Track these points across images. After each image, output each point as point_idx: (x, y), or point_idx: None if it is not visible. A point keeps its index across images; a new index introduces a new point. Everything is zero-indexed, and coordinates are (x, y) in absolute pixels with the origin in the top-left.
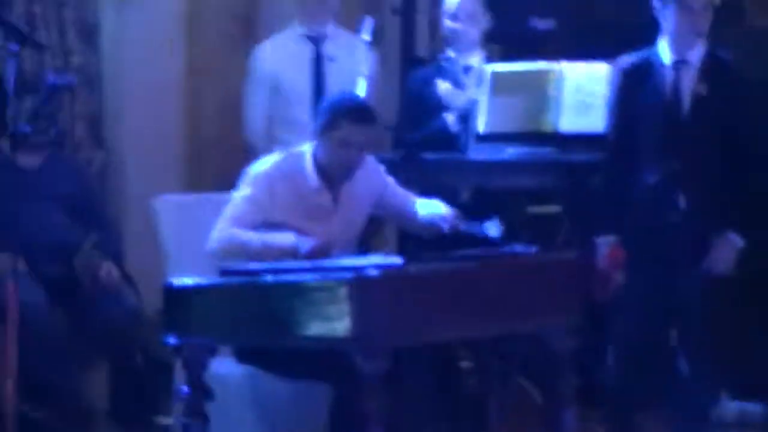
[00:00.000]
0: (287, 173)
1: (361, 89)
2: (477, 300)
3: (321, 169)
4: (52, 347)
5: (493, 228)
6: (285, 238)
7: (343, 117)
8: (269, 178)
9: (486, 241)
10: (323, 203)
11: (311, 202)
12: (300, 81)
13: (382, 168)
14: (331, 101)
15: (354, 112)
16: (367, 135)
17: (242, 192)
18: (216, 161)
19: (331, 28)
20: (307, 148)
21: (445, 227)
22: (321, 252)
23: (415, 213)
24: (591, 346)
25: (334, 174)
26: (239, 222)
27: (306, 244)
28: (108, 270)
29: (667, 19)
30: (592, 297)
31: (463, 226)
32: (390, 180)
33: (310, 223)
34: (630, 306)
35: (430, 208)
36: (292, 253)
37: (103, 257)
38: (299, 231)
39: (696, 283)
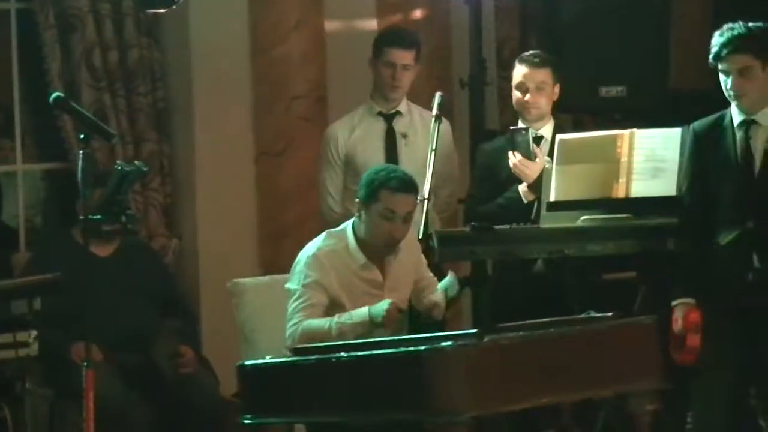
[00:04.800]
0: (335, 252)
1: (430, 164)
2: (554, 367)
3: (364, 244)
4: None
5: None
6: (359, 312)
7: (382, 188)
8: (318, 259)
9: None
10: (373, 278)
11: (361, 277)
12: (373, 158)
13: (418, 245)
14: (369, 174)
15: (392, 181)
16: (408, 205)
17: (299, 279)
18: (291, 244)
19: (404, 104)
20: (347, 227)
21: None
22: (396, 311)
23: (423, 294)
24: (671, 410)
25: (378, 248)
26: (309, 310)
27: (380, 309)
28: (186, 354)
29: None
30: (670, 361)
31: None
32: (422, 257)
33: (365, 297)
34: (708, 367)
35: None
36: (371, 322)
37: (180, 342)
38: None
39: None
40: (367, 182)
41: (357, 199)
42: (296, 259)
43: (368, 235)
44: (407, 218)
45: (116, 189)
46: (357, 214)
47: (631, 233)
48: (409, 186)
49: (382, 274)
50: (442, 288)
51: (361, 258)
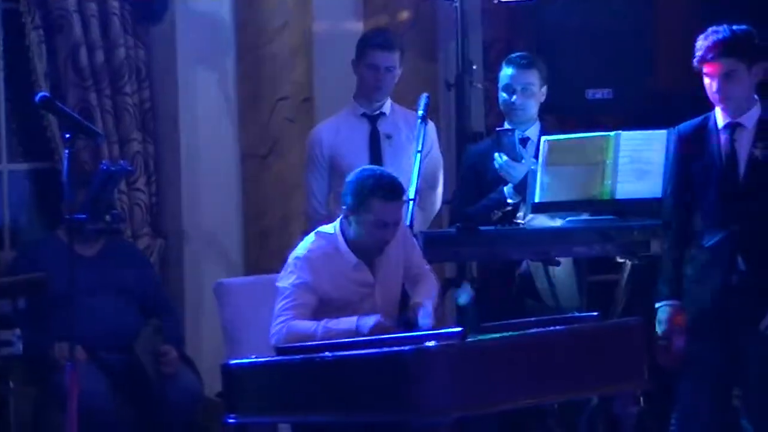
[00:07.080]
0: (326, 253)
1: (416, 165)
2: (538, 367)
3: (354, 246)
4: None
5: (463, 295)
6: (346, 322)
7: (372, 197)
8: (310, 261)
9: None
10: (364, 279)
11: (353, 278)
12: (358, 159)
13: (408, 230)
14: (357, 180)
15: (382, 190)
16: (399, 210)
17: (289, 280)
18: (276, 245)
19: (388, 106)
20: (336, 228)
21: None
22: (382, 329)
23: (414, 288)
24: (655, 411)
25: (368, 251)
26: (297, 310)
27: (367, 322)
28: (168, 354)
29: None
30: (655, 362)
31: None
32: (414, 242)
33: (355, 298)
34: (693, 369)
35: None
36: (356, 331)
37: (164, 342)
38: (348, 308)
39: (757, 343)
40: (355, 190)
41: (343, 206)
42: (288, 259)
43: (359, 240)
44: (398, 222)
45: (101, 188)
46: (344, 218)
47: (616, 235)
48: (398, 191)
49: (372, 274)
50: (461, 300)
51: (352, 259)
